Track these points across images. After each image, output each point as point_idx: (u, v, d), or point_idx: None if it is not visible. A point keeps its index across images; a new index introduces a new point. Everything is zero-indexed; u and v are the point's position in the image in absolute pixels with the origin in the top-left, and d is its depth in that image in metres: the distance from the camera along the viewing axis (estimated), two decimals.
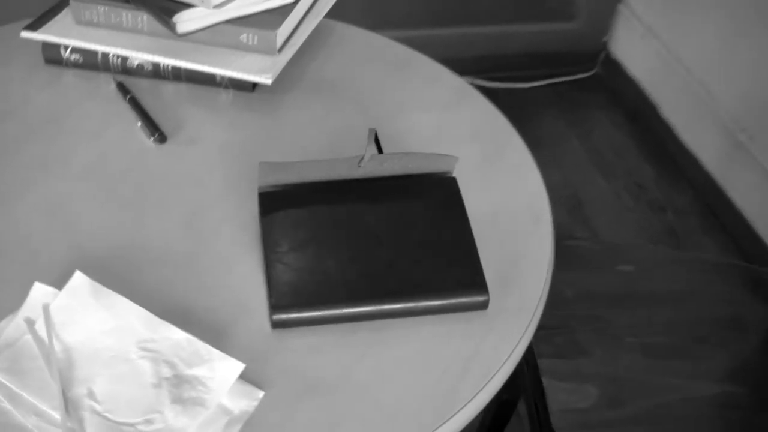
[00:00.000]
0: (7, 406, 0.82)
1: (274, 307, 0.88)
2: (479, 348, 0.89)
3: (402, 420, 0.82)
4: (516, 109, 2.55)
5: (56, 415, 0.81)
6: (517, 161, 1.10)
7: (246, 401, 0.83)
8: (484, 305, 0.91)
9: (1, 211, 1.00)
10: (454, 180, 1.00)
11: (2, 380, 0.83)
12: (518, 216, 1.02)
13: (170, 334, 0.87)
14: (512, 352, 0.89)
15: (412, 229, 0.94)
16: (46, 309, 0.88)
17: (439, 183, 0.99)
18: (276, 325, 0.88)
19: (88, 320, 0.88)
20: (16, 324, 0.88)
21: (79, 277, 0.90)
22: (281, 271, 0.90)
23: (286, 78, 1.20)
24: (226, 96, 1.17)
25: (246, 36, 1.14)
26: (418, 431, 0.82)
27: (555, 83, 2.73)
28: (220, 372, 0.84)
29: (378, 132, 1.10)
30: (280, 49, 1.16)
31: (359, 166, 0.96)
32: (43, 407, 0.81)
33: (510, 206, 1.03)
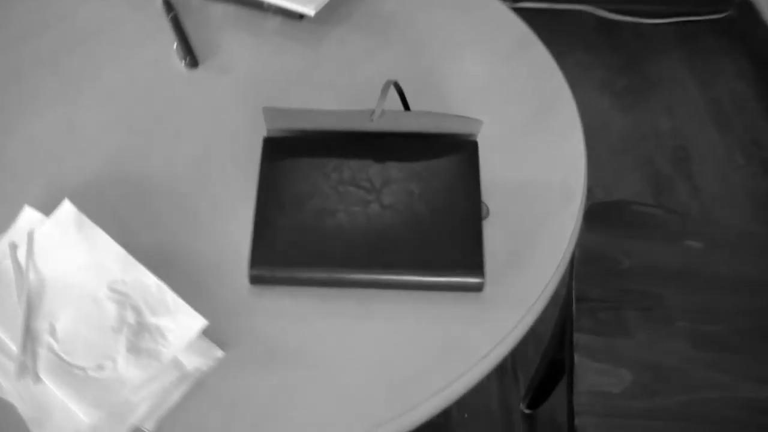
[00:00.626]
0: None
1: (253, 261, 0.84)
2: (467, 334, 0.82)
3: (356, 404, 0.78)
4: (637, 47, 2.38)
5: (13, 348, 0.80)
6: (564, 130, 1.00)
7: (202, 359, 0.80)
8: (478, 287, 0.84)
9: (19, 126, 0.99)
10: (474, 145, 0.91)
11: None
12: (549, 191, 0.94)
13: (142, 277, 0.84)
14: (498, 344, 0.82)
15: (417, 195, 0.87)
16: (30, 236, 0.87)
17: (458, 146, 0.91)
18: (253, 280, 0.84)
19: (68, 252, 0.86)
20: (0, 247, 0.87)
21: (67, 207, 0.88)
22: (268, 224, 0.86)
23: (338, 10, 1.13)
24: (272, 23, 1.11)
25: None
26: (371, 421, 0.76)
27: (683, 22, 2.52)
28: (182, 325, 0.81)
29: (422, 80, 1.02)
30: None
31: (371, 120, 0.89)
32: (4, 337, 0.80)
33: (543, 178, 0.95)
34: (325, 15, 1.11)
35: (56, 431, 0.75)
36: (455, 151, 0.91)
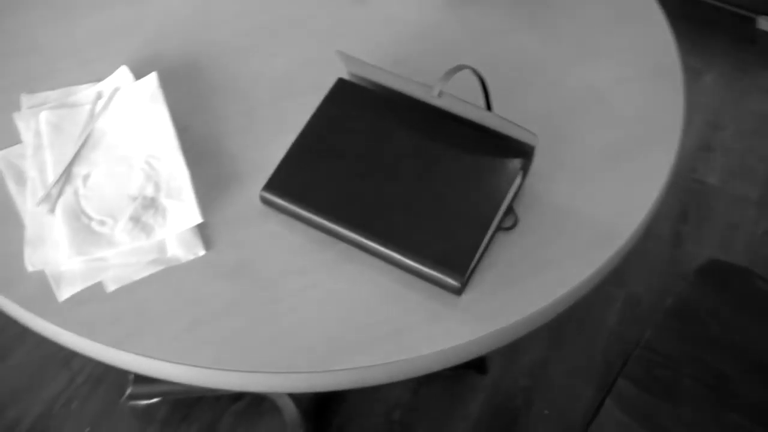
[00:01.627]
0: (29, 153, 0.93)
1: (267, 184, 0.89)
2: (422, 327, 0.83)
3: (291, 342, 0.81)
4: None
5: (50, 178, 0.91)
6: (647, 173, 0.95)
7: (183, 251, 0.87)
8: (455, 290, 0.84)
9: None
10: (528, 154, 0.89)
11: (43, 130, 0.94)
12: (594, 226, 0.90)
13: (176, 162, 0.91)
14: (443, 351, 0.81)
15: (443, 180, 0.87)
16: (114, 92, 0.97)
17: (510, 151, 0.89)
18: (263, 200, 0.89)
19: (133, 116, 0.95)
20: (89, 92, 0.98)
21: (151, 79, 0.97)
22: (297, 157, 0.90)
23: None
24: None
25: None
26: (300, 366, 0.80)
27: None
28: (181, 214, 0.88)
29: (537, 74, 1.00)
30: None
31: (435, 96, 0.89)
32: (50, 168, 0.91)
33: (595, 211, 0.92)
34: None
35: (40, 257, 0.86)
36: (503, 155, 0.89)
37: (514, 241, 0.88)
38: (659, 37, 1.08)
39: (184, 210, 0.88)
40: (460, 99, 0.88)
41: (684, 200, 1.91)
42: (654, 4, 1.12)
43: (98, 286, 0.85)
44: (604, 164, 0.95)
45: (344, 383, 0.81)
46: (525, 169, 0.90)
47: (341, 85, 0.94)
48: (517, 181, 0.89)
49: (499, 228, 0.89)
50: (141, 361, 0.81)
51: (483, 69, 1.01)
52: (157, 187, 0.90)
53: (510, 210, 0.90)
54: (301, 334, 0.81)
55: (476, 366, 1.63)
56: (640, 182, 0.93)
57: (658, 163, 0.95)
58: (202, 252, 0.87)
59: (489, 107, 0.93)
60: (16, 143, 0.95)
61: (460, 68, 0.87)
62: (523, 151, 0.89)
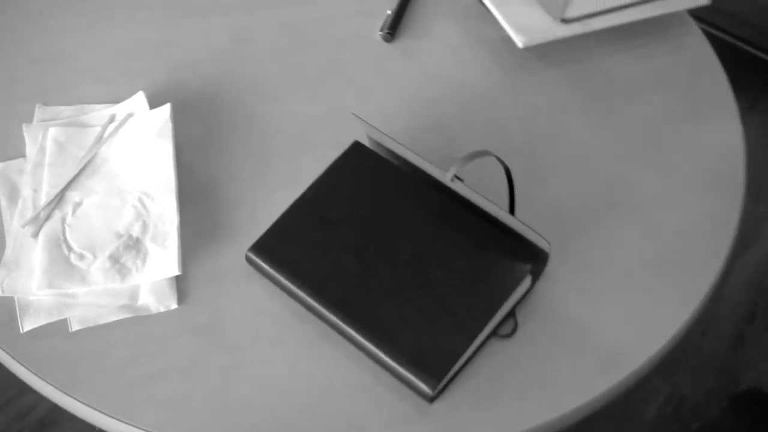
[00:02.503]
0: (28, 169, 0.90)
1: (254, 245, 0.84)
2: (386, 429, 0.76)
3: (236, 427, 0.76)
4: None
5: (42, 200, 0.87)
6: (682, 291, 0.86)
7: (155, 302, 0.82)
8: (426, 397, 0.77)
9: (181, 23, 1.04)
10: (542, 259, 0.81)
11: (48, 147, 0.91)
12: (598, 350, 0.82)
13: (168, 206, 0.87)
14: None
15: (444, 273, 0.80)
16: (126, 118, 0.93)
17: (523, 250, 0.82)
18: (247, 260, 0.84)
19: (138, 148, 0.91)
20: (103, 113, 0.94)
21: (164, 111, 0.93)
22: (293, 220, 0.84)
23: (550, 54, 1.04)
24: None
25: None
26: None
27: None
28: (160, 262, 0.83)
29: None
30: (567, 20, 1.00)
31: (451, 180, 0.82)
32: (43, 189, 0.88)
33: (602, 334, 0.83)
34: (541, 53, 1.02)
35: (11, 283, 0.82)
36: (513, 255, 0.81)
37: (508, 349, 0.81)
38: (728, 141, 0.98)
39: (164, 258, 0.83)
40: (474, 190, 0.81)
41: (755, 299, 1.78)
42: (732, 104, 1.02)
43: (62, 323, 0.81)
44: (629, 278, 0.86)
45: None
46: (535, 274, 0.82)
47: (356, 149, 0.88)
48: (524, 285, 0.82)
49: (494, 334, 0.81)
50: (84, 410, 0.77)
51: (519, 147, 0.94)
52: (144, 227, 0.86)
53: (511, 315, 0.82)
54: (253, 411, 0.76)
55: None
56: (666, 307, 0.85)
57: (690, 290, 0.86)
58: (174, 305, 0.82)
59: (512, 198, 0.85)
60: (21, 156, 0.91)
61: (481, 154, 0.80)
62: (537, 256, 0.81)
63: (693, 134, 0.98)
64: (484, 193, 0.91)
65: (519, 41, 0.98)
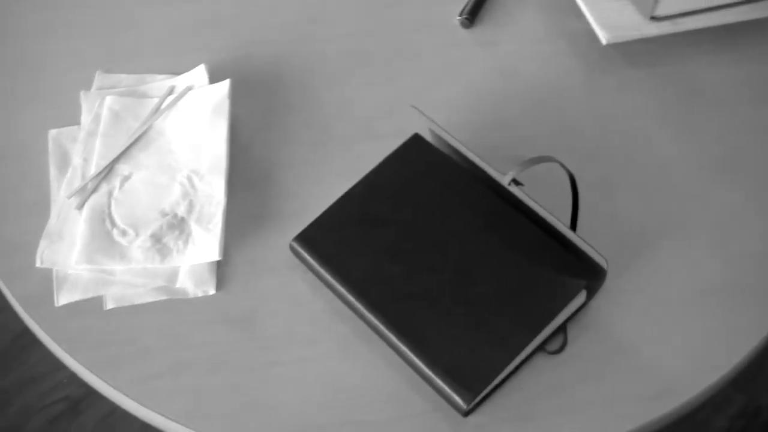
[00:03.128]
0: (80, 138, 0.89)
1: (299, 235, 0.81)
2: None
3: (262, 424, 0.74)
4: None
5: (92, 170, 0.86)
6: (755, 318, 0.79)
7: (193, 285, 0.80)
8: (461, 410, 0.73)
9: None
10: (599, 275, 0.76)
11: (103, 116, 0.89)
12: (660, 373, 0.76)
13: (216, 187, 0.85)
14: None
15: (493, 282, 0.76)
16: (184, 91, 0.91)
17: (579, 264, 0.76)
18: (292, 250, 0.81)
19: (193, 124, 0.89)
20: (162, 84, 0.92)
21: (222, 88, 0.91)
22: (340, 213, 0.81)
23: (638, 53, 0.97)
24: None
25: None
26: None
27: None
28: (202, 245, 0.81)
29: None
30: (657, 18, 0.93)
31: (508, 185, 0.78)
32: (94, 159, 0.87)
33: (670, 358, 0.77)
34: (626, 51, 0.96)
35: (51, 254, 0.81)
36: (569, 269, 0.76)
37: (555, 366, 0.76)
38: None
39: (207, 242, 0.81)
40: (531, 197, 0.76)
41: None
42: None
43: (97, 300, 0.79)
44: (693, 302, 0.80)
45: None
46: (591, 290, 0.77)
47: (415, 142, 0.84)
48: (577, 301, 0.76)
49: (541, 349, 0.76)
50: (111, 392, 0.75)
51: (591, 152, 0.89)
52: (190, 207, 0.83)
53: (561, 331, 0.77)
54: (280, 410, 0.73)
55: None
56: (730, 336, 0.78)
57: (758, 319, 0.79)
58: (212, 291, 0.80)
59: (575, 208, 0.80)
60: (74, 124, 0.90)
61: (545, 160, 0.74)
62: (593, 271, 0.76)
63: None
64: (548, 197, 0.85)
65: (603, 37, 0.92)
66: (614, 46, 0.97)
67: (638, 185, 0.87)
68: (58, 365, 1.55)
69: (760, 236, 0.84)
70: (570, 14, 1.00)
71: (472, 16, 0.98)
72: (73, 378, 1.54)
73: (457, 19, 0.99)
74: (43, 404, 1.51)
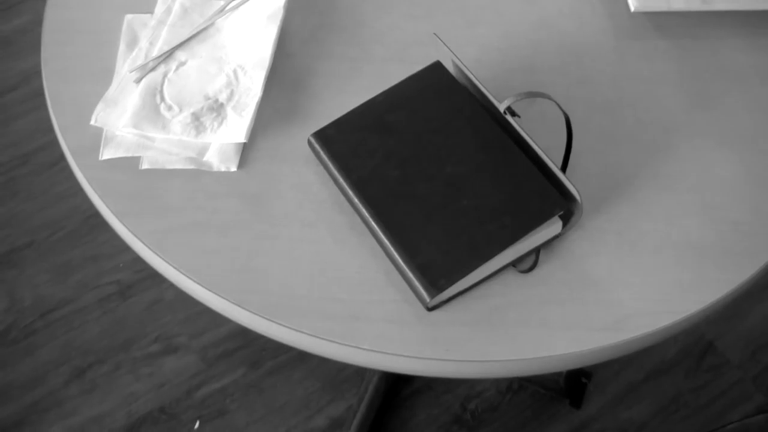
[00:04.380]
0: (151, 24, 1.00)
1: (316, 132, 0.90)
2: (381, 323, 0.82)
3: (251, 285, 0.84)
4: None
5: (154, 53, 0.97)
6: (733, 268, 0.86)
7: (218, 161, 0.91)
8: (425, 304, 0.82)
9: None
10: (574, 211, 0.84)
11: (174, 9, 1.00)
12: (622, 308, 0.83)
13: (256, 81, 0.95)
14: (381, 358, 0.81)
15: (478, 197, 0.84)
16: None
17: (557, 194, 0.84)
18: (309, 144, 0.91)
19: (248, 26, 0.99)
20: None
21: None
22: (355, 119, 0.90)
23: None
24: None
25: None
26: (249, 305, 0.83)
27: None
28: (233, 127, 0.91)
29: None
30: None
31: (504, 113, 0.86)
32: (158, 44, 0.98)
33: (636, 297, 0.84)
34: (658, 22, 1.02)
35: (105, 116, 0.93)
36: (547, 196, 0.84)
37: (522, 285, 0.84)
38: None
39: (238, 125, 0.91)
40: (523, 129, 0.84)
41: None
42: None
43: (134, 161, 0.90)
44: (670, 253, 0.87)
45: (278, 336, 0.82)
46: (566, 219, 0.85)
47: (435, 69, 0.93)
48: (552, 229, 0.84)
49: (512, 266, 0.85)
50: (130, 237, 0.86)
51: (603, 104, 0.96)
52: (231, 95, 0.94)
53: (534, 253, 0.85)
54: (269, 277, 0.83)
55: (573, 397, 1.57)
56: (696, 289, 0.85)
57: (722, 280, 0.85)
58: (233, 168, 0.90)
59: (568, 146, 0.87)
60: (149, 12, 1.01)
61: (540, 95, 0.82)
62: (570, 204, 0.83)
63: None
64: (554, 138, 0.93)
65: (632, 4, 0.99)
66: (648, 16, 1.03)
67: (640, 141, 0.94)
68: (118, 249, 1.69)
69: (746, 207, 0.89)
70: None
71: None
72: (128, 264, 1.67)
73: None
74: (98, 283, 1.65)
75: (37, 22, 2.04)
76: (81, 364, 1.56)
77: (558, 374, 1.54)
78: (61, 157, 1.81)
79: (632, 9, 0.99)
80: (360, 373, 1.55)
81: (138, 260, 1.67)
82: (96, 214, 1.72)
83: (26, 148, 1.84)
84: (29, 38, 2.03)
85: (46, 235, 1.72)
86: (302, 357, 1.55)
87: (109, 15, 1.02)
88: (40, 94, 1.92)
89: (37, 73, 1.95)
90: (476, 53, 1.00)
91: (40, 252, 1.69)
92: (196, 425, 1.50)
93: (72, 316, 1.62)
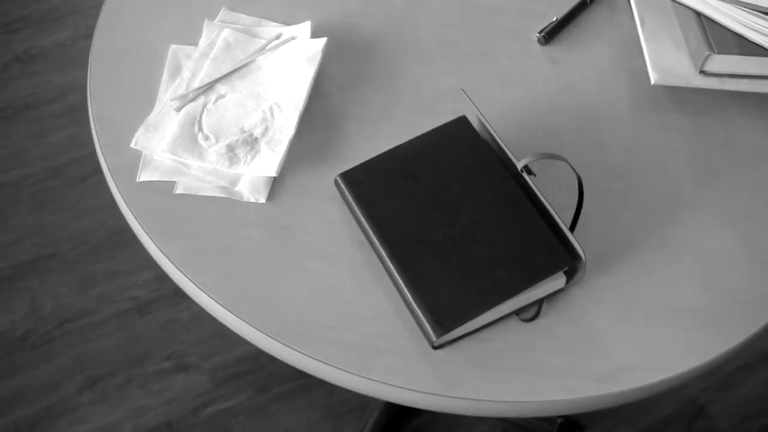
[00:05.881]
0: (194, 56, 1.06)
1: (344, 173, 0.96)
2: (386, 355, 0.87)
3: (266, 310, 0.90)
4: None
5: (196, 84, 1.04)
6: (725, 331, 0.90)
7: (249, 192, 0.96)
8: (431, 343, 0.87)
9: None
10: (578, 268, 0.89)
11: (217, 43, 1.07)
12: (611, 363, 0.88)
13: (290, 119, 1.01)
14: (381, 389, 0.86)
15: (490, 248, 0.90)
16: (288, 39, 1.08)
17: (563, 253, 0.89)
18: (335, 184, 0.96)
19: (287, 67, 1.05)
20: (272, 29, 1.10)
21: (319, 43, 1.07)
22: (382, 163, 0.96)
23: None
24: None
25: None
26: (264, 327, 0.89)
27: None
28: (265, 161, 0.97)
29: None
30: (705, 72, 1.05)
31: (521, 171, 0.91)
32: (200, 76, 1.04)
33: (625, 354, 0.89)
34: (676, 97, 1.08)
35: (145, 140, 0.99)
36: (555, 251, 0.89)
37: (523, 333, 0.89)
38: None
39: (270, 160, 0.97)
40: (536, 187, 0.90)
41: None
42: None
43: (170, 185, 0.96)
44: (666, 316, 0.92)
45: (290, 360, 0.88)
46: (570, 275, 0.90)
47: (460, 123, 0.98)
48: (556, 283, 0.89)
49: (516, 314, 0.89)
50: (160, 256, 0.92)
51: (615, 172, 1.02)
52: (265, 131, 1.00)
53: (537, 304, 0.90)
54: (287, 304, 0.89)
55: None
56: (685, 351, 0.89)
57: (713, 344, 0.90)
58: (263, 200, 0.96)
59: (579, 208, 0.92)
60: (193, 44, 1.08)
61: (557, 157, 0.88)
62: (575, 261, 0.88)
63: None
64: (568, 198, 0.98)
65: (652, 77, 1.05)
66: (666, 90, 1.09)
67: (648, 208, 0.99)
68: (139, 267, 1.74)
69: (741, 279, 0.94)
70: (635, 54, 1.12)
71: (550, 36, 1.12)
72: (147, 283, 1.73)
73: (536, 35, 1.13)
74: (117, 298, 1.71)
75: (77, 38, 2.11)
76: (95, 374, 1.61)
77: (551, 423, 1.58)
78: (92, 173, 1.87)
79: (652, 82, 1.04)
80: (362, 407, 1.59)
81: (157, 279, 1.72)
82: (120, 232, 1.78)
83: (58, 161, 1.90)
84: (68, 53, 2.10)
85: (71, 247, 1.77)
86: (308, 386, 1.60)
87: (155, 42, 1.08)
88: (75, 109, 1.98)
89: (74, 88, 2.02)
90: (501, 110, 1.05)
91: (64, 263, 1.75)
92: None
93: (89, 328, 1.67)
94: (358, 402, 1.60)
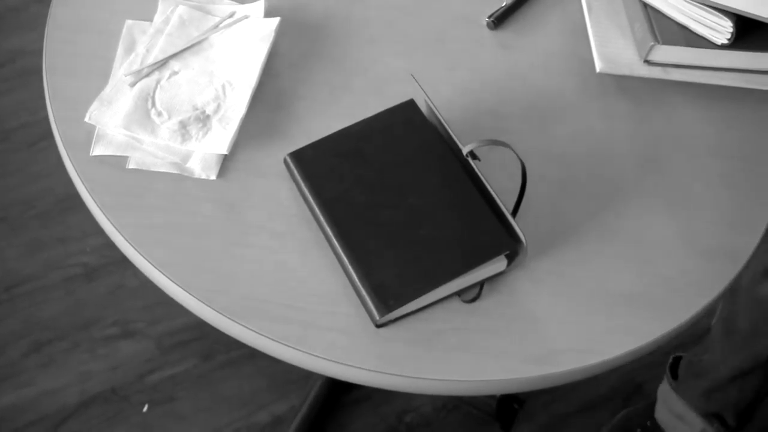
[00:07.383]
0: (149, 32, 1.07)
1: (293, 153, 0.98)
2: (330, 332, 0.89)
3: (212, 284, 0.92)
4: None
5: (150, 60, 1.04)
6: (658, 316, 0.94)
7: (199, 168, 0.98)
8: (374, 322, 0.89)
9: None
10: (519, 252, 0.92)
11: (172, 20, 1.08)
12: (546, 344, 0.91)
13: (242, 97, 1.02)
14: (326, 365, 0.88)
15: (434, 229, 0.92)
16: (241, 17, 1.09)
17: (507, 236, 0.92)
18: (285, 163, 0.98)
19: (239, 45, 1.06)
20: (226, 8, 1.11)
21: (272, 22, 1.09)
22: (330, 144, 0.98)
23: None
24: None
25: None
26: (210, 300, 0.91)
27: None
28: (216, 139, 0.99)
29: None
30: (650, 62, 1.08)
31: (466, 156, 0.94)
32: (154, 52, 1.05)
33: (563, 335, 0.92)
34: (623, 85, 1.11)
35: (99, 115, 1.00)
36: (496, 235, 0.92)
37: (464, 314, 0.92)
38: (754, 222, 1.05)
39: (221, 137, 0.98)
40: (480, 172, 0.92)
41: None
42: None
43: (122, 160, 0.97)
44: (602, 300, 0.95)
45: (237, 335, 0.91)
46: (511, 258, 0.93)
47: (407, 106, 1.00)
48: (498, 266, 0.92)
49: (457, 295, 0.92)
50: (111, 229, 0.93)
51: (557, 155, 1.05)
52: (217, 108, 1.01)
53: (478, 286, 0.93)
54: (235, 280, 0.91)
55: (503, 421, 1.64)
56: (619, 336, 0.93)
57: (649, 329, 0.94)
58: (213, 177, 0.97)
59: (521, 193, 0.95)
60: (148, 20, 1.08)
61: (500, 144, 0.90)
62: (516, 245, 0.91)
63: (725, 202, 1.05)
64: (513, 182, 1.01)
65: (597, 65, 1.08)
66: (612, 78, 1.12)
67: (590, 194, 1.02)
68: (87, 234, 1.75)
69: (678, 265, 0.98)
70: (583, 41, 1.15)
71: (500, 21, 1.14)
72: (95, 249, 1.73)
73: (486, 20, 1.15)
74: (64, 264, 1.71)
75: (29, 2, 2.09)
76: (40, 339, 1.62)
77: (492, 398, 1.62)
78: (40, 138, 1.87)
79: (597, 70, 1.07)
80: (305, 377, 1.62)
81: (105, 246, 1.73)
82: (68, 198, 1.78)
83: (7, 126, 1.89)
84: (20, 17, 2.08)
85: (19, 212, 1.77)
86: (252, 355, 1.62)
87: (110, 18, 1.09)
88: (25, 73, 1.97)
89: (25, 52, 2.00)
90: (449, 94, 1.08)
91: (11, 228, 1.75)
92: (145, 408, 1.57)
93: (36, 293, 1.68)
94: (302, 372, 1.62)
